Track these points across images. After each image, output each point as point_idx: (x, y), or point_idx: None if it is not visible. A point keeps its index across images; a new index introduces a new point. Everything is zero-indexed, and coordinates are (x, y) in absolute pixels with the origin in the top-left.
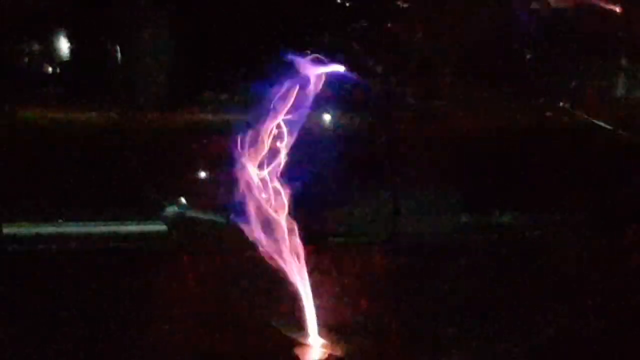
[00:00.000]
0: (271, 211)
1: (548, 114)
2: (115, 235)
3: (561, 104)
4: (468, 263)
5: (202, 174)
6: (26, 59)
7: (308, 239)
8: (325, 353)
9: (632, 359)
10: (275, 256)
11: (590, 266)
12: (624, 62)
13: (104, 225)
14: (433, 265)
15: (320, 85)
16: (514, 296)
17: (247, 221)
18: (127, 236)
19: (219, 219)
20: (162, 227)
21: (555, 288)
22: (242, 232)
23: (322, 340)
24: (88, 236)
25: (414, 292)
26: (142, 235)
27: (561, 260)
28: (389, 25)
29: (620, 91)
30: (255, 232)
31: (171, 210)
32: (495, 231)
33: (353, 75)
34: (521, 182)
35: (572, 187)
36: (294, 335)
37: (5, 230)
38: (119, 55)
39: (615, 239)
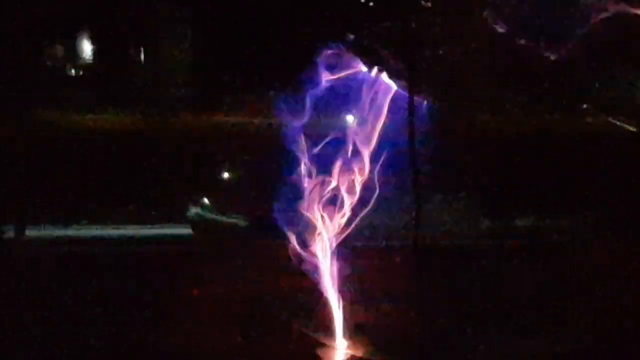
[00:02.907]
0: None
1: (589, 120)
2: (140, 239)
3: (584, 106)
4: (489, 267)
5: (227, 177)
6: (50, 62)
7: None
8: (347, 354)
9: None
10: (308, 259)
11: (612, 270)
12: None
13: (128, 229)
14: (455, 270)
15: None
16: (534, 300)
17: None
18: (151, 239)
19: (241, 221)
20: (186, 231)
21: (577, 292)
22: (265, 234)
23: (344, 342)
24: (111, 239)
25: (436, 296)
26: (166, 239)
27: (582, 265)
28: (412, 25)
29: None
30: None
31: (194, 211)
32: (517, 236)
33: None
34: (542, 185)
35: (594, 190)
36: (317, 337)
37: (29, 233)
38: (142, 57)
39: (638, 243)
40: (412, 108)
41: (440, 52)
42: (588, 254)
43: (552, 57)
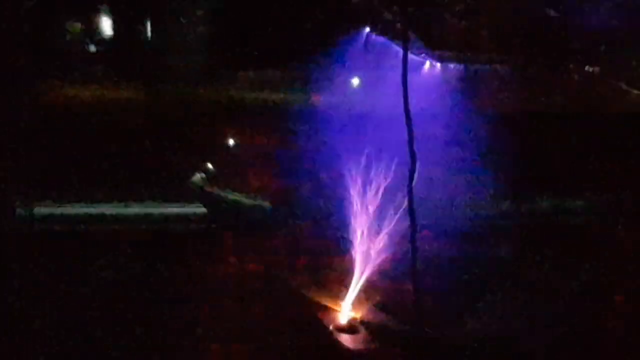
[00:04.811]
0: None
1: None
2: (151, 217)
3: (586, 68)
4: (508, 247)
5: (238, 154)
6: (65, 38)
7: None
8: (348, 316)
9: None
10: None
11: (632, 253)
12: None
13: (139, 207)
14: (471, 249)
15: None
16: (550, 280)
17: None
18: (162, 218)
19: (264, 204)
20: (198, 209)
21: (596, 274)
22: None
23: (348, 305)
24: (122, 217)
25: (449, 273)
26: (178, 217)
27: (602, 247)
28: None
29: None
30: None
31: (198, 177)
32: (536, 218)
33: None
34: (561, 168)
35: (614, 173)
36: (323, 302)
37: (38, 211)
38: (152, 34)
39: None
40: (405, 69)
41: (444, 13)
42: (607, 235)
43: (552, 14)
